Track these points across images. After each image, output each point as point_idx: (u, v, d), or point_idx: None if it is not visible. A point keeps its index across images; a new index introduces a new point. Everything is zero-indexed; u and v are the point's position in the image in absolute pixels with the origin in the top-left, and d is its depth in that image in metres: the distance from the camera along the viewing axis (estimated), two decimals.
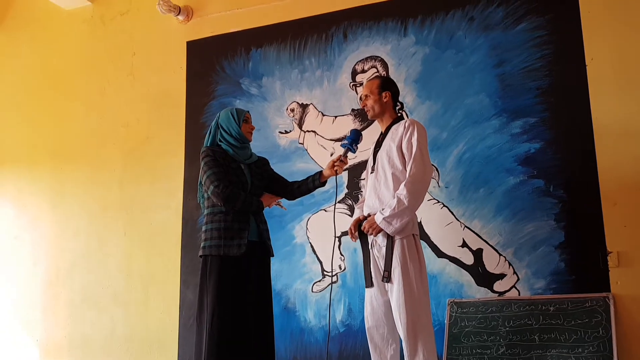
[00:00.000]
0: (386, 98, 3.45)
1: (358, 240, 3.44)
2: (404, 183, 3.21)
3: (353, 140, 3.47)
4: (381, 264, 3.26)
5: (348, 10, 4.56)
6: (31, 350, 5.16)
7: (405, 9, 4.38)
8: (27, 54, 5.78)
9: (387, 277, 3.20)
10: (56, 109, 5.52)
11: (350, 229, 3.45)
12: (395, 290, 3.18)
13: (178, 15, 5.09)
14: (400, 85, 3.62)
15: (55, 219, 5.32)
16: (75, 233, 5.22)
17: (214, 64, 4.98)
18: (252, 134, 3.54)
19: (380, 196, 3.33)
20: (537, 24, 4.01)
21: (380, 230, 3.23)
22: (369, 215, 3.35)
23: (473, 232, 3.98)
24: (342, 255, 4.29)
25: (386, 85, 3.50)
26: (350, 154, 3.54)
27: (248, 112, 3.55)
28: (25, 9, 5.86)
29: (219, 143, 3.45)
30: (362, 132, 3.63)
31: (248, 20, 4.91)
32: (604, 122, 3.76)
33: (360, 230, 3.37)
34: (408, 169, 3.24)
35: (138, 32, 5.36)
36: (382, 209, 3.23)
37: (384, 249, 3.25)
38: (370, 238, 3.33)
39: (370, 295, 3.35)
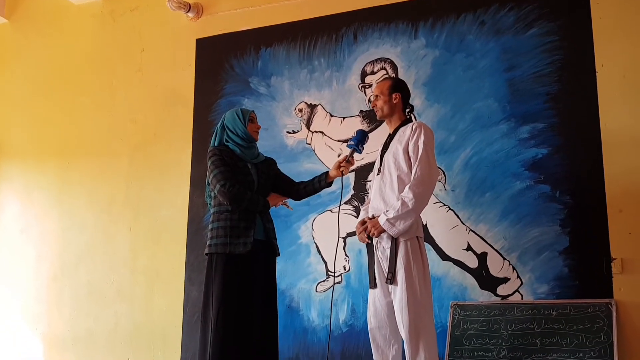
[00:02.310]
0: (396, 100, 3.46)
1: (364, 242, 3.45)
2: (408, 185, 3.21)
3: (359, 140, 3.48)
4: (385, 265, 3.27)
5: (359, 11, 4.56)
6: (35, 344, 5.18)
7: (416, 12, 4.38)
8: (36, 48, 5.79)
9: (390, 279, 3.21)
10: (64, 104, 5.54)
11: (357, 229, 3.46)
12: (398, 291, 3.19)
13: (188, 12, 5.09)
14: (409, 88, 3.62)
15: (62, 213, 5.34)
16: (81, 228, 5.24)
17: (223, 62, 4.98)
18: (258, 133, 3.56)
19: (385, 198, 3.34)
20: (548, 29, 4.01)
21: (383, 231, 3.24)
22: (373, 216, 3.36)
23: (478, 235, 3.98)
24: (346, 256, 4.30)
25: (397, 86, 3.50)
26: (357, 155, 3.54)
27: (253, 111, 3.57)
28: (35, 4, 5.87)
29: (226, 143, 3.47)
30: (371, 134, 3.64)
31: (258, 19, 4.92)
32: (612, 129, 3.75)
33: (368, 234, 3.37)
34: (413, 171, 3.25)
35: (147, 29, 5.37)
36: (386, 211, 3.24)
37: (387, 250, 3.25)
38: (374, 240, 3.34)
39: (374, 296, 3.36)
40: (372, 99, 3.54)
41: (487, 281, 3.92)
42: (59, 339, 5.12)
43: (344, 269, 4.30)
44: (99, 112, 5.38)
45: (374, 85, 4.26)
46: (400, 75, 4.32)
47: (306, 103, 4.65)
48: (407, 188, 3.21)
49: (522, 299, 3.81)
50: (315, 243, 4.43)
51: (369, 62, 4.49)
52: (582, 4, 3.94)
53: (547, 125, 3.91)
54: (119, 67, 5.39)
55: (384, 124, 3.66)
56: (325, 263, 4.37)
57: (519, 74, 4.03)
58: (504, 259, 3.90)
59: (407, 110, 3.53)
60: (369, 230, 3.31)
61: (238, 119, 3.47)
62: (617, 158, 3.71)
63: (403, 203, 3.18)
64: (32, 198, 5.50)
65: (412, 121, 3.47)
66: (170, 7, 5.01)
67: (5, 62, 5.90)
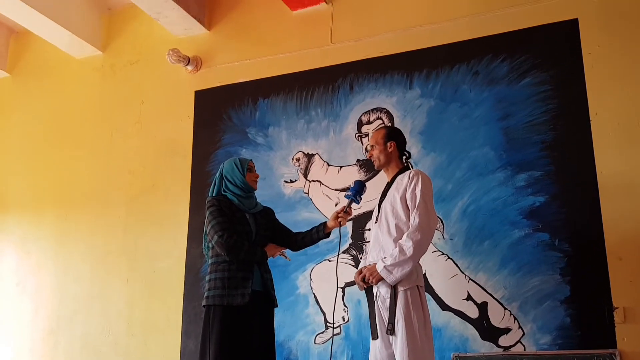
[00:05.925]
0: (391, 148, 3.46)
1: (363, 291, 3.41)
2: (406, 233, 3.19)
3: (357, 191, 3.48)
4: (385, 315, 3.22)
5: (354, 62, 4.64)
6: None
7: (411, 63, 4.45)
8: (37, 100, 5.86)
9: (391, 330, 3.15)
10: (63, 155, 5.57)
11: (356, 278, 3.41)
12: (399, 342, 3.13)
13: (187, 65, 5.17)
14: (405, 136, 3.64)
15: (58, 265, 5.31)
16: (77, 279, 5.20)
17: (221, 113, 5.03)
18: (257, 182, 3.56)
19: (383, 246, 3.31)
20: (542, 79, 4.06)
21: (381, 278, 3.20)
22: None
23: (478, 285, 3.95)
24: (345, 306, 4.25)
25: (392, 135, 3.52)
26: (354, 205, 3.54)
27: (251, 160, 3.58)
28: (38, 57, 5.96)
29: (224, 193, 3.47)
30: (368, 183, 3.64)
31: (256, 71, 4.99)
32: (609, 176, 3.76)
33: (365, 281, 3.34)
34: (411, 219, 3.23)
35: (147, 81, 5.43)
36: (384, 257, 3.21)
37: (387, 300, 3.21)
38: (374, 289, 3.30)
39: (375, 347, 3.30)
40: (368, 148, 3.55)
41: (489, 332, 3.86)
42: None
43: (343, 319, 4.24)
44: (96, 163, 5.40)
45: (370, 135, 4.29)
46: (396, 125, 4.35)
47: (303, 152, 4.68)
48: (405, 236, 3.19)
49: (524, 350, 3.75)
50: (314, 293, 4.39)
51: (365, 112, 4.53)
52: (574, 54, 4.00)
53: (544, 173, 3.93)
54: (118, 118, 5.44)
55: (382, 172, 3.66)
56: (324, 314, 4.32)
57: (514, 122, 4.07)
58: (505, 308, 3.86)
59: (405, 157, 3.54)
60: (366, 277, 3.26)
61: (236, 168, 3.47)
62: (615, 205, 3.71)
63: (401, 250, 3.15)
64: (29, 249, 5.47)
65: (409, 169, 3.47)
66: (169, 60, 5.09)
67: (5, 115, 5.96)
